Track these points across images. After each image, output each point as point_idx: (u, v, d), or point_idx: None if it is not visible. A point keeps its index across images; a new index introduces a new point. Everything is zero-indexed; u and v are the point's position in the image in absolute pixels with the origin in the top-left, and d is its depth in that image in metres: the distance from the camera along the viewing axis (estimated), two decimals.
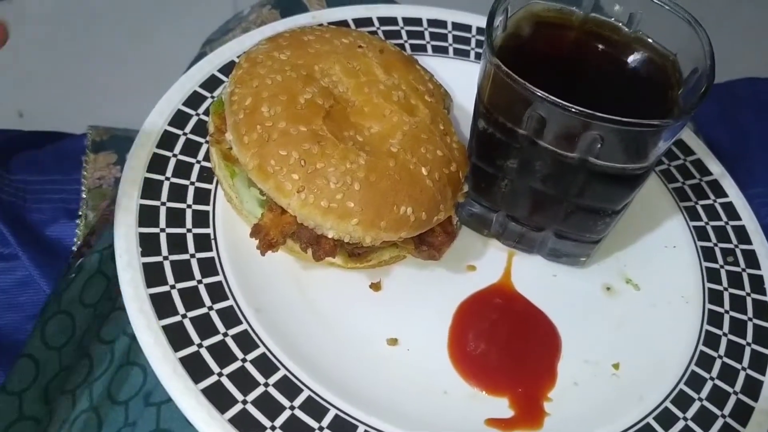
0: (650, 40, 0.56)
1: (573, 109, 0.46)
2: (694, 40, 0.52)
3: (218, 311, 0.50)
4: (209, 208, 0.56)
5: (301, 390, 0.48)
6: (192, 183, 0.56)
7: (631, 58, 0.56)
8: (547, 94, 0.47)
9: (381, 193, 0.50)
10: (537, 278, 0.60)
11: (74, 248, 0.62)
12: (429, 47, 0.74)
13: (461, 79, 0.67)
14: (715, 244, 0.63)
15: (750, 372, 0.55)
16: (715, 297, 0.60)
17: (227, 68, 0.63)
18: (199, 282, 0.51)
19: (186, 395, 0.45)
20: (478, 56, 0.73)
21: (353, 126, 0.52)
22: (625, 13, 0.56)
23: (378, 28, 0.72)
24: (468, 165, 0.56)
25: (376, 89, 0.55)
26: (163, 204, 0.54)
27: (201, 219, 0.55)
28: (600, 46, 0.57)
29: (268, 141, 0.49)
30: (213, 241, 0.54)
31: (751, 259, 0.62)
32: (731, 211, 0.66)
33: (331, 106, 0.52)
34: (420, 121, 0.54)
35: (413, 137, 0.53)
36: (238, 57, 0.64)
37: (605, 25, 0.57)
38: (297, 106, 0.51)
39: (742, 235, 0.64)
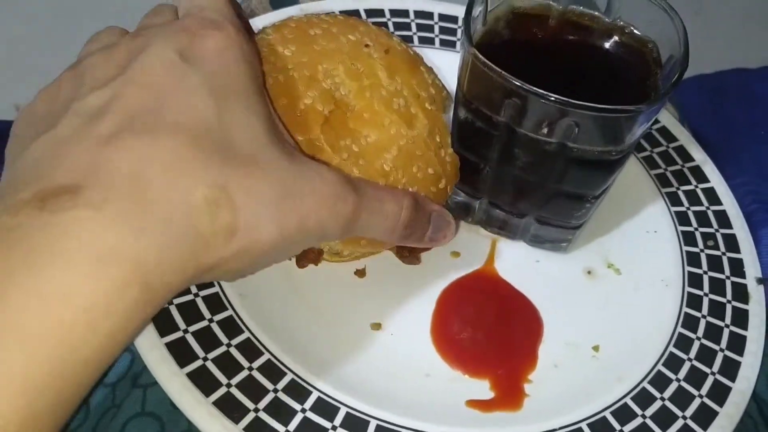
0: (629, 29, 0.57)
1: (547, 97, 0.47)
2: (669, 27, 0.53)
3: (204, 298, 0.51)
4: None
5: (285, 373, 0.49)
6: None
7: (610, 47, 0.57)
8: (522, 82, 0.48)
9: None
10: (520, 264, 0.61)
11: None
12: (415, 38, 0.75)
13: (447, 70, 0.68)
14: (696, 229, 0.64)
15: (728, 353, 0.56)
16: (694, 280, 0.60)
17: None
18: None
19: (172, 380, 0.46)
20: None
21: (351, 133, 0.52)
22: (603, 1, 0.57)
23: (365, 21, 0.73)
24: (457, 176, 0.57)
25: (378, 94, 0.54)
26: None
27: None
28: (580, 36, 0.58)
29: None
30: None
31: (732, 243, 0.63)
32: (713, 197, 0.66)
33: (330, 112, 0.52)
34: (417, 135, 0.54)
35: (408, 154, 0.53)
36: None
37: (585, 15, 0.58)
38: (296, 111, 0.51)
39: (723, 219, 0.65)
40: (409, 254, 0.56)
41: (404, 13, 0.76)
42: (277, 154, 0.39)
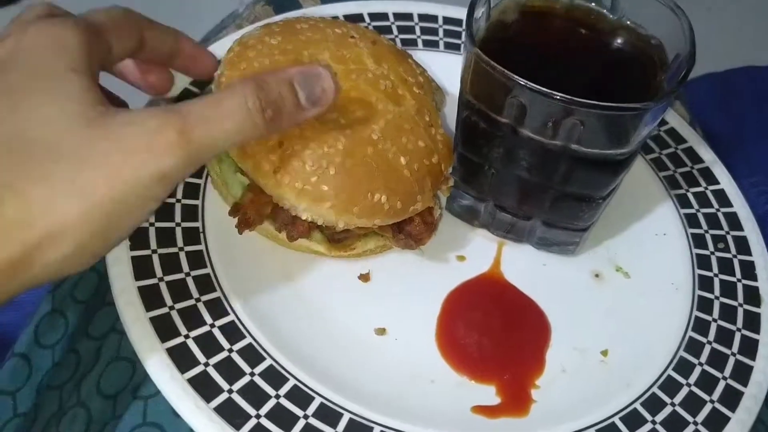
0: (634, 27, 0.56)
1: (551, 95, 0.46)
2: (676, 25, 0.52)
3: (206, 302, 0.51)
4: (198, 202, 0.56)
5: (287, 379, 0.49)
6: None
7: (615, 46, 0.56)
8: (525, 81, 0.47)
9: (356, 179, 0.50)
10: (527, 267, 0.60)
11: None
12: (420, 41, 0.74)
13: (452, 72, 0.67)
14: (706, 231, 0.63)
15: (740, 357, 0.55)
16: (705, 283, 0.59)
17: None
18: (187, 274, 0.52)
19: (172, 385, 0.46)
20: None
21: (337, 108, 0.52)
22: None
23: (369, 24, 0.73)
24: (452, 158, 0.57)
25: (364, 77, 0.55)
26: None
27: (190, 213, 0.55)
28: (585, 34, 0.57)
29: None
30: (201, 234, 0.55)
31: (743, 245, 0.62)
32: (723, 198, 0.65)
33: None
34: (405, 111, 0.54)
35: (396, 126, 0.53)
36: None
37: (590, 12, 0.57)
38: None
39: (734, 221, 0.64)
40: (405, 237, 0.55)
41: (408, 16, 0.75)
42: (76, 129, 0.38)
